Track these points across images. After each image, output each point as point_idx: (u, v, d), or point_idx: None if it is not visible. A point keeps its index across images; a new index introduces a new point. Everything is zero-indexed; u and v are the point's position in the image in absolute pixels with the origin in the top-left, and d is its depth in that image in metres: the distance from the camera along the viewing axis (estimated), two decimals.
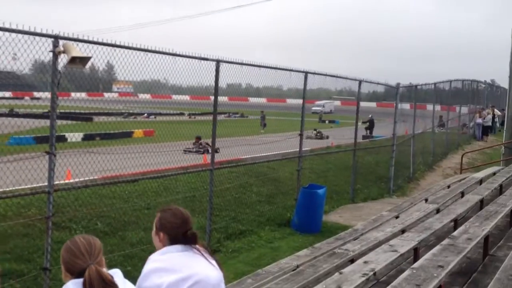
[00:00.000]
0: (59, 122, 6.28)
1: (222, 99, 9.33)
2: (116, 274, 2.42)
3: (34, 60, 6.46)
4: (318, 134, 25.92)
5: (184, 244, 2.69)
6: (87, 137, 21.60)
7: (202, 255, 2.70)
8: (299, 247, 8.16)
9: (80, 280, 2.28)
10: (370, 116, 29.02)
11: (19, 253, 6.56)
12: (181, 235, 2.68)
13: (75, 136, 21.24)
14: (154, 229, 2.75)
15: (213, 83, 8.31)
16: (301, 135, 10.71)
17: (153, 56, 7.20)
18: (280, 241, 8.90)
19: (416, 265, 4.92)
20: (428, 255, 5.16)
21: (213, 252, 7.79)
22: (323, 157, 15.39)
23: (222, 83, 8.94)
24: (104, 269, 2.38)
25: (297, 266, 5.90)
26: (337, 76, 12.35)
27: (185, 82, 8.84)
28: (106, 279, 2.29)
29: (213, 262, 2.73)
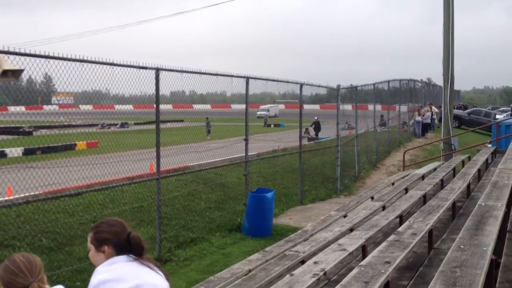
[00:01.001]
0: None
1: (166, 107, 9.26)
2: None
3: None
4: (306, 134, 26.43)
5: (128, 254, 2.66)
6: (28, 152, 20.85)
7: (148, 265, 2.68)
8: (250, 252, 8.19)
9: None
10: (316, 118, 29.53)
11: None
12: (124, 241, 2.67)
13: (16, 151, 20.45)
14: (93, 248, 2.70)
15: (154, 92, 8.25)
16: (246, 140, 10.76)
17: (91, 67, 7.08)
18: (231, 246, 8.90)
19: (364, 262, 5.02)
20: (375, 252, 5.28)
21: (164, 262, 7.76)
22: (270, 161, 15.52)
23: (165, 91, 8.89)
24: (47, 287, 2.32)
25: (249, 271, 5.90)
26: (278, 80, 12.50)
27: (127, 92, 8.74)
28: None
29: (160, 272, 2.73)
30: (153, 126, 8.55)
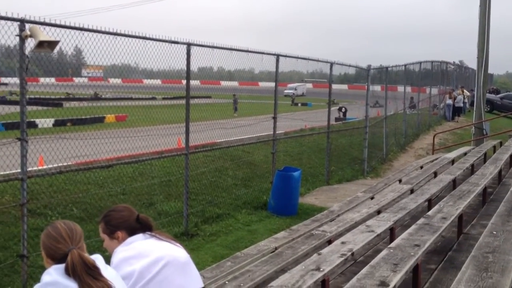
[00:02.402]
0: (29, 108, 6.13)
1: (194, 83, 9.27)
2: (98, 260, 2.41)
3: None
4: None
5: (143, 233, 2.75)
6: (58, 123, 21.20)
7: (166, 239, 2.77)
8: (276, 230, 8.24)
9: (62, 266, 2.26)
10: (343, 109, 29.06)
11: None
12: (135, 223, 2.76)
13: (46, 122, 20.82)
14: (106, 237, 2.79)
15: (184, 67, 8.24)
16: (274, 118, 10.72)
17: (122, 40, 7.09)
18: (257, 224, 8.94)
19: (393, 244, 5.01)
20: (404, 235, 5.25)
21: (191, 236, 7.85)
22: (297, 140, 15.47)
23: (194, 67, 8.87)
24: (86, 255, 2.37)
25: (276, 248, 5.94)
26: (308, 59, 12.36)
27: (156, 66, 8.75)
28: (89, 264, 2.28)
29: (177, 243, 2.80)
30: (180, 101, 8.57)
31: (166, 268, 2.63)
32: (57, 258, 2.32)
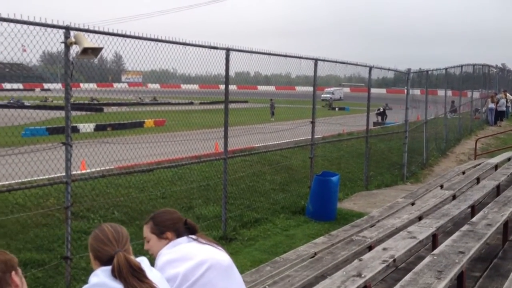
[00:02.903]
0: (73, 113, 6.27)
1: (231, 87, 9.32)
2: (143, 262, 2.44)
3: (42, 52, 6.47)
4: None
5: (189, 236, 2.80)
6: (99, 128, 21.69)
7: (208, 243, 2.80)
8: (314, 235, 8.19)
9: (109, 268, 2.30)
10: (386, 104, 28.72)
11: (39, 243, 6.62)
12: (183, 226, 2.82)
13: (88, 127, 21.34)
14: (154, 237, 2.83)
15: (221, 72, 8.32)
16: (312, 122, 10.68)
17: (161, 46, 7.19)
18: (295, 228, 8.91)
19: (436, 251, 4.91)
20: (448, 242, 5.14)
21: (229, 240, 7.88)
22: (335, 145, 15.36)
23: (231, 72, 8.91)
24: (132, 257, 2.40)
25: (315, 254, 5.90)
26: (347, 63, 12.27)
27: (193, 71, 8.84)
28: (134, 266, 2.31)
29: (220, 247, 2.84)
30: (217, 106, 8.61)
31: (210, 271, 2.66)
32: (104, 260, 2.36)
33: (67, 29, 5.73)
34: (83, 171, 9.24)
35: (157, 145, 9.64)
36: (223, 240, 7.87)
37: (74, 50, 5.84)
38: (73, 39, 5.72)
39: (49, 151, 7.71)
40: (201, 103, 29.03)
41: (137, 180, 9.41)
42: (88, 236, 6.83)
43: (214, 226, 8.27)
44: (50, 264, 6.15)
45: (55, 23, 5.69)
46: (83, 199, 7.95)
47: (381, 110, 28.47)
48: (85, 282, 6.26)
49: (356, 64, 12.61)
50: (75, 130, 20.69)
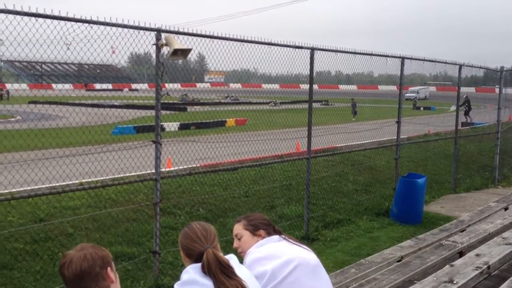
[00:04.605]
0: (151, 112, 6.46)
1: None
2: (232, 259, 2.48)
3: (130, 54, 6.72)
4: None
5: (279, 235, 2.89)
6: (183, 126, 22.35)
7: (296, 243, 2.85)
8: (399, 238, 7.97)
9: (199, 265, 2.36)
10: (465, 96, 27.42)
11: (129, 237, 6.90)
12: (272, 230, 2.91)
13: (172, 126, 22.05)
14: (247, 234, 2.90)
15: (302, 71, 8.28)
16: (398, 122, 10.39)
17: (244, 46, 7.24)
18: (379, 231, 8.70)
19: None
20: None
21: (311, 240, 7.84)
22: (420, 146, 14.85)
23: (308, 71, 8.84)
24: (220, 254, 2.44)
25: (402, 257, 5.73)
26: (435, 61, 11.80)
27: (274, 71, 8.85)
28: (223, 263, 2.36)
29: (307, 247, 2.87)
30: (297, 106, 8.57)
31: (297, 270, 2.67)
32: (194, 257, 2.43)
33: (159, 31, 5.93)
34: (169, 169, 9.56)
35: (239, 144, 9.75)
36: (305, 240, 7.83)
37: (165, 51, 6.03)
38: (164, 41, 5.90)
39: (137, 149, 8.06)
40: (282, 103, 29.16)
41: (221, 178, 9.59)
42: (174, 232, 7.06)
43: (296, 226, 8.25)
44: (139, 257, 6.39)
45: (147, 25, 5.89)
46: (169, 195, 8.22)
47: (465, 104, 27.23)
48: (172, 276, 6.47)
49: (445, 62, 12.12)
50: (161, 129, 21.42)
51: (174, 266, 6.37)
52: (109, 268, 2.15)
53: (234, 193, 9.06)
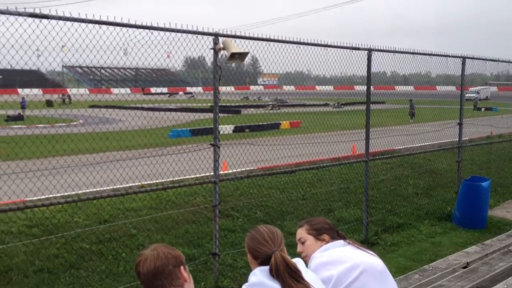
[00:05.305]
0: (211, 115, 6.51)
1: (364, 88, 9.10)
2: (299, 263, 2.46)
3: (184, 58, 6.81)
4: None
5: (344, 240, 2.85)
6: (237, 129, 22.50)
7: (362, 248, 2.81)
8: (463, 243, 7.71)
9: (267, 268, 2.35)
10: None
11: (189, 238, 7.00)
12: (336, 233, 2.88)
13: (226, 129, 22.23)
14: (311, 238, 2.87)
15: (356, 73, 8.16)
16: (460, 124, 10.09)
17: (297, 48, 7.19)
18: (441, 236, 8.44)
19: None
20: None
21: (371, 245, 7.70)
22: (483, 148, 14.33)
23: (364, 72, 8.69)
24: (288, 257, 2.43)
25: (467, 264, 5.54)
26: (498, 60, 11.37)
27: (328, 73, 8.75)
28: (292, 266, 2.34)
29: (372, 253, 2.81)
30: (352, 108, 8.46)
31: (364, 276, 2.63)
32: (261, 260, 2.42)
33: (216, 35, 5.99)
34: (226, 172, 9.63)
35: (294, 146, 9.73)
36: (365, 245, 7.68)
37: (222, 55, 6.09)
38: (221, 45, 5.96)
39: (192, 153, 8.17)
40: (342, 104, 28.81)
41: (278, 181, 9.59)
42: (233, 234, 7.10)
43: (355, 230, 8.13)
44: (199, 259, 6.47)
45: (204, 30, 5.97)
46: (227, 198, 8.28)
47: None
48: (232, 278, 6.50)
49: (510, 62, 11.66)
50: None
51: (234, 268, 6.41)
52: (182, 267, 2.19)
53: (292, 196, 9.03)
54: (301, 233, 2.93)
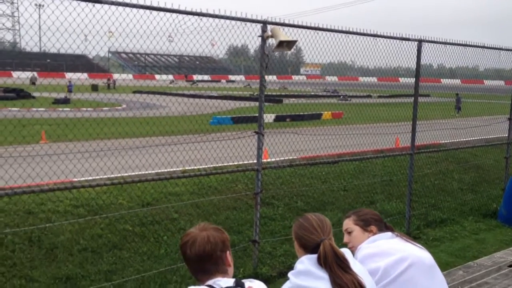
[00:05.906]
0: (253, 104, 6.50)
1: (411, 80, 8.90)
2: (347, 253, 2.43)
3: (227, 46, 6.80)
4: None
5: (393, 232, 2.81)
6: (279, 118, 22.46)
7: (410, 241, 2.76)
8: (508, 242, 7.55)
9: (314, 256, 2.32)
10: None
11: (230, 225, 7.06)
12: (383, 225, 2.83)
13: (267, 118, 22.22)
14: (357, 229, 2.83)
15: (400, 64, 8.00)
16: (510, 119, 9.79)
17: (346, 38, 7.07)
18: (485, 233, 8.24)
19: None
20: None
21: (413, 239, 7.57)
22: None
23: (411, 64, 8.50)
24: (336, 247, 2.40)
25: None
26: None
27: (372, 64, 8.59)
28: (340, 255, 2.31)
29: (421, 246, 2.77)
30: (396, 100, 8.28)
31: (412, 269, 2.60)
32: (309, 248, 2.39)
33: (265, 23, 5.96)
34: (268, 160, 9.64)
35: (336, 137, 9.64)
36: None
37: (270, 43, 6.07)
38: (269, 33, 5.93)
39: (233, 140, 8.20)
40: (379, 96, 28.44)
41: (319, 171, 9.53)
42: (273, 222, 7.10)
43: (397, 223, 8.02)
44: (239, 245, 6.52)
45: (253, 17, 5.95)
46: (268, 186, 8.29)
47: None
48: (270, 265, 6.51)
49: None
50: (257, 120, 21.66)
51: (273, 256, 6.43)
52: (227, 252, 2.18)
53: (333, 186, 8.97)
54: (348, 223, 2.89)
